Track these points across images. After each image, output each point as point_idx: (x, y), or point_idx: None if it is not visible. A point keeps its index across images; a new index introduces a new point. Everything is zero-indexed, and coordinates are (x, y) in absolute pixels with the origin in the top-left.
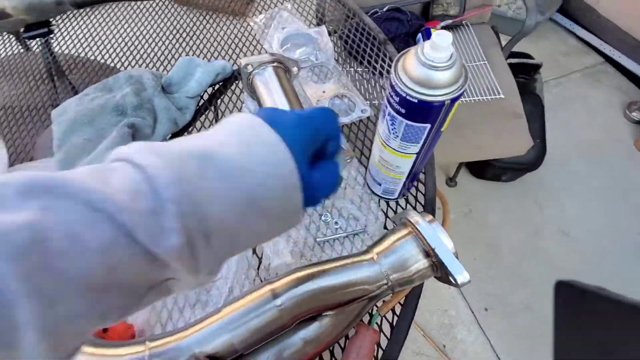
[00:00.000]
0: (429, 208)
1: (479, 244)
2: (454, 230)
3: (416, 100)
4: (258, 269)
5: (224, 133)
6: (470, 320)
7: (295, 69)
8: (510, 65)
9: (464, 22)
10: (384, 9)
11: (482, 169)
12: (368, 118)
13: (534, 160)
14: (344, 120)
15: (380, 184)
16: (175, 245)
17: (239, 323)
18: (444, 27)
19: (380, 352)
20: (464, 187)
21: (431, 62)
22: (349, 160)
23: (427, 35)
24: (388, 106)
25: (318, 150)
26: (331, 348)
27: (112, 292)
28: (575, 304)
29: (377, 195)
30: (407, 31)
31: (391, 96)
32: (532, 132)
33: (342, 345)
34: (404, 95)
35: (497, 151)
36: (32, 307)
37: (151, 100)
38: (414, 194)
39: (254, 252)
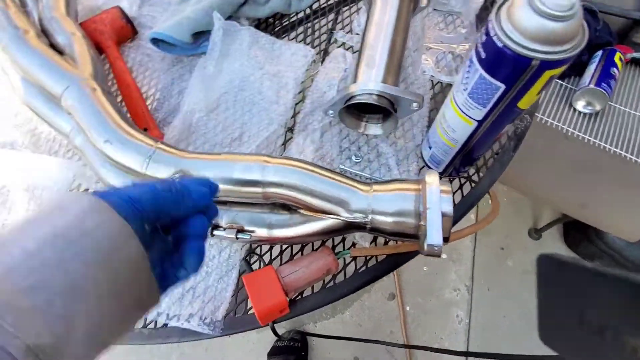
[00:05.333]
0: (465, 205)
1: (518, 308)
2: (502, 276)
3: (501, 45)
4: None
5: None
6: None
7: (425, 0)
8: None
9: None
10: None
11: (577, 239)
12: None
13: None
14: (445, 79)
15: (430, 147)
16: None
17: (226, 168)
18: (635, 60)
19: (331, 283)
20: (543, 247)
21: (538, 4)
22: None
23: (609, 58)
24: (473, 49)
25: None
26: (292, 247)
27: None
28: (555, 274)
29: (424, 160)
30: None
31: (481, 37)
32: None
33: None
34: (492, 34)
35: (602, 221)
36: None
37: None
38: (461, 182)
39: None
